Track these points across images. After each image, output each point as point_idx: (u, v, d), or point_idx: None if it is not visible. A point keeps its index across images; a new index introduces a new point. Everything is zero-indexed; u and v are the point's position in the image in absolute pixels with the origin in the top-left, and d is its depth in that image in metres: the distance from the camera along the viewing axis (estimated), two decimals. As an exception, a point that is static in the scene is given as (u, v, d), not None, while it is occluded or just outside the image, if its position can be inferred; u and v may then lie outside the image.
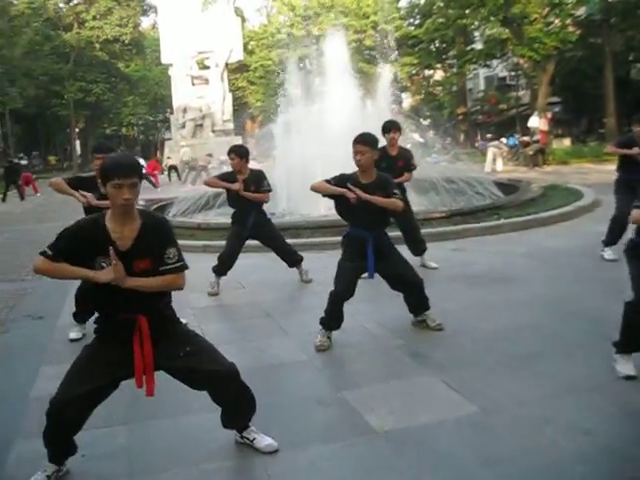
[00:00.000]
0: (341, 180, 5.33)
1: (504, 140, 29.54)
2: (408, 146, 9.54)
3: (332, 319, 5.41)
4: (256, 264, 8.55)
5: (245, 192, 7.22)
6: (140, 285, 3.12)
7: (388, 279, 5.58)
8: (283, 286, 7.79)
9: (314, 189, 5.51)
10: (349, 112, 13.42)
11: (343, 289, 5.38)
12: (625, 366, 4.41)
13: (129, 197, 3.04)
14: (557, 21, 32.71)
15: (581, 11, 35.74)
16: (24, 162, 42.12)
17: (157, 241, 3.17)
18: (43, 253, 3.10)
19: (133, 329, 3.19)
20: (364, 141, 5.17)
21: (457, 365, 4.80)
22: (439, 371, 4.69)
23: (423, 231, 9.71)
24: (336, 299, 5.39)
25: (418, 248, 8.12)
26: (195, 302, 7.15)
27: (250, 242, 7.83)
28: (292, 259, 7.85)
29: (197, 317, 6.55)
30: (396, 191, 5.28)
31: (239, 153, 7.24)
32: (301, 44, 37.75)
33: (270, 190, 7.46)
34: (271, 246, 7.82)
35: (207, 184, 7.95)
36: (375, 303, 6.46)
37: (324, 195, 5.51)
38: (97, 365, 3.25)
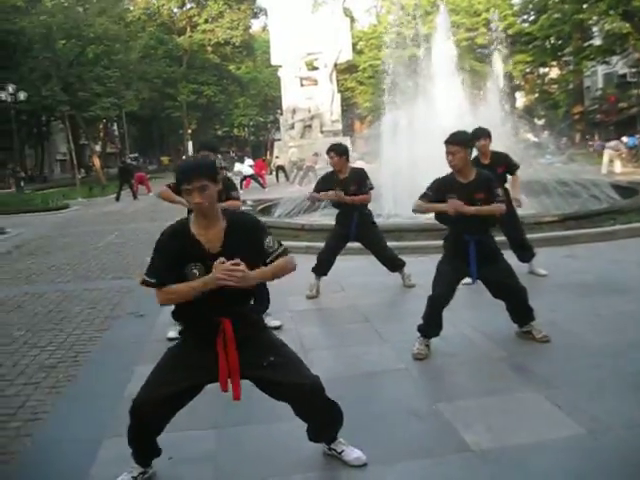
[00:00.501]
0: (439, 187, 5.18)
1: (625, 139, 28.09)
2: (521, 147, 9.25)
3: (430, 325, 5.23)
4: (358, 267, 8.45)
5: (344, 196, 7.11)
6: (256, 277, 3.07)
7: (490, 286, 5.34)
8: (384, 290, 7.64)
9: (417, 211, 5.44)
10: (457, 112, 13.14)
11: (441, 293, 5.19)
12: None
13: (199, 201, 2.98)
14: (684, 13, 30.98)
15: None
16: (135, 162, 43.76)
17: (249, 238, 3.12)
18: (149, 283, 3.10)
19: (217, 332, 3.14)
20: (455, 141, 4.97)
21: (563, 382, 4.50)
22: (543, 387, 4.42)
23: (533, 236, 9.39)
24: (434, 303, 5.21)
25: (526, 254, 7.76)
26: (293, 305, 7.13)
27: (352, 244, 7.73)
28: (393, 264, 7.69)
29: (294, 320, 6.53)
30: (499, 192, 5.05)
31: (338, 151, 7.14)
32: (411, 43, 37.45)
33: (372, 188, 7.27)
34: (372, 250, 7.67)
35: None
36: (478, 311, 6.22)
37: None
38: (180, 367, 3.23)
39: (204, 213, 3.07)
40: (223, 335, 3.13)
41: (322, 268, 7.52)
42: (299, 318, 6.66)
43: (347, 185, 7.13)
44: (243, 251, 3.05)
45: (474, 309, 6.22)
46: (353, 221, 7.31)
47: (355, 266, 8.42)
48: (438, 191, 5.15)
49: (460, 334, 5.64)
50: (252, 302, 3.37)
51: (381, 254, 7.64)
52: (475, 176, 5.08)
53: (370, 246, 7.65)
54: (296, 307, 7.08)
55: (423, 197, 5.26)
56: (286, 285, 7.82)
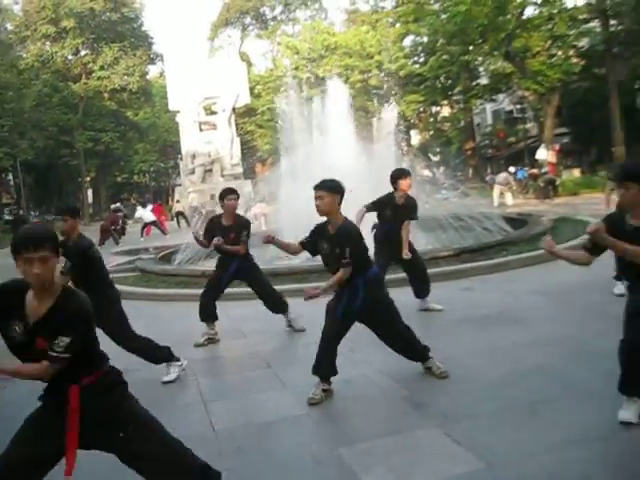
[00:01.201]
0: (313, 232, 5.36)
1: (512, 169, 29.32)
2: (416, 183, 9.47)
3: (322, 365, 5.20)
4: (259, 312, 8.32)
5: (223, 245, 7.17)
6: (14, 371, 2.88)
7: (376, 331, 5.40)
8: (286, 335, 7.59)
9: None
10: (353, 152, 13.37)
11: (327, 328, 5.23)
12: (624, 411, 4.17)
13: (39, 272, 2.79)
14: (560, 53, 32.93)
15: (583, 42, 35.96)
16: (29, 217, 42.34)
17: (59, 325, 2.85)
18: None
19: (64, 398, 2.93)
20: (322, 187, 5.05)
21: (462, 416, 4.56)
22: (443, 423, 4.45)
23: (431, 271, 9.54)
24: (322, 340, 5.23)
25: (424, 289, 7.89)
26: (192, 354, 6.96)
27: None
28: (274, 306, 7.66)
29: (192, 370, 6.36)
30: (347, 250, 4.99)
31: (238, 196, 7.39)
32: (307, 86, 38.17)
33: (245, 241, 7.33)
34: (255, 291, 7.69)
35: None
36: (379, 350, 6.19)
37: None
38: (32, 431, 3.01)
39: (41, 285, 2.86)
40: (70, 402, 2.92)
41: (203, 313, 7.48)
42: (199, 368, 6.51)
43: (228, 232, 7.20)
44: (48, 334, 2.84)
45: (376, 348, 6.20)
46: (233, 265, 7.37)
47: (256, 311, 8.29)
48: (313, 234, 5.32)
49: (362, 375, 5.64)
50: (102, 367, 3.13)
51: (264, 295, 7.63)
52: (336, 230, 5.14)
53: (253, 287, 7.66)
54: (194, 356, 6.92)
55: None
56: (183, 335, 7.72)
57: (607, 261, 7.61)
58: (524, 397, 4.76)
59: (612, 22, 33.00)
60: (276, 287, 9.22)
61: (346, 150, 13.46)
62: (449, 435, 4.24)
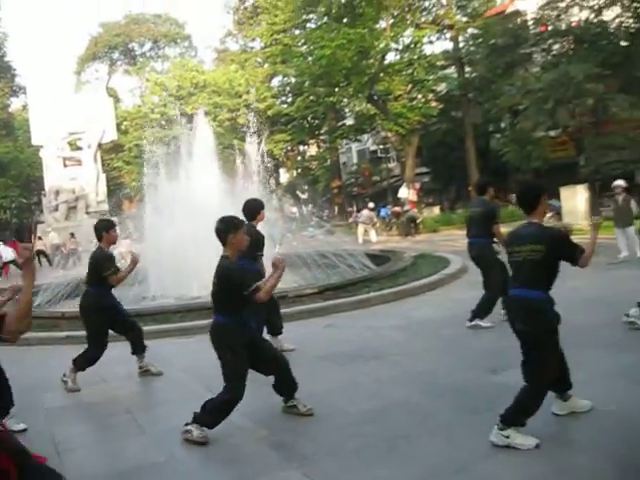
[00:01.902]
0: None
1: (371, 205, 30.10)
2: (281, 222, 9.56)
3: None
4: (121, 355, 8.00)
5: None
6: None
7: (260, 365, 5.34)
8: (147, 378, 7.30)
9: None
10: (219, 190, 13.32)
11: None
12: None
13: None
14: (420, 97, 34.56)
15: (441, 87, 38.00)
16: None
17: None
18: None
19: None
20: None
21: (323, 455, 4.53)
22: (303, 464, 4.41)
23: (294, 309, 9.65)
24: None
25: (277, 327, 7.85)
26: (50, 402, 6.57)
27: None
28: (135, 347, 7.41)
29: (50, 419, 6.01)
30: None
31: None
32: (175, 124, 37.77)
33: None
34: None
35: None
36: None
37: None
38: None
39: None
40: None
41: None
42: (55, 416, 6.14)
43: None
44: None
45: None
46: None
47: (118, 354, 7.96)
48: None
49: (226, 420, 5.46)
50: None
51: (126, 335, 7.37)
52: None
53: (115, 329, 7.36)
54: (52, 404, 6.53)
55: None
56: (41, 380, 7.28)
57: (463, 298, 7.93)
58: (384, 433, 4.81)
59: (467, 69, 35.08)
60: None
61: (212, 188, 13.38)
62: (308, 476, 4.20)
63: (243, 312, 5.17)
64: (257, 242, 7.47)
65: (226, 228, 5.18)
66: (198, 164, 14.78)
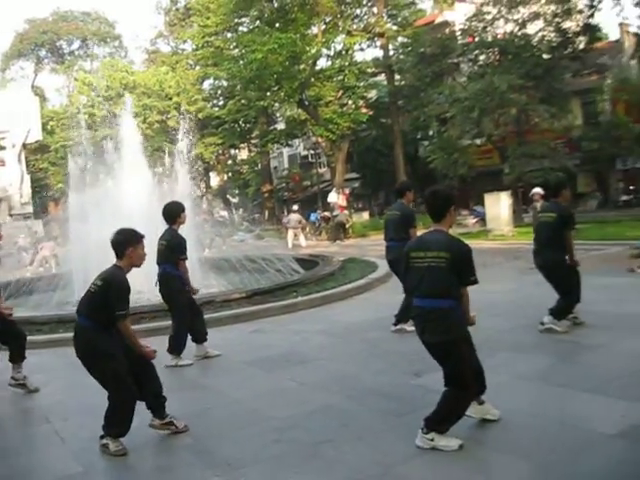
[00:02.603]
0: None
1: (295, 207, 30.11)
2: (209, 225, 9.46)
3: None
4: (42, 362, 7.80)
5: None
6: None
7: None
8: (69, 386, 7.09)
9: None
10: (148, 193, 13.12)
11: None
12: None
13: None
14: (350, 103, 34.90)
15: (372, 94, 38.49)
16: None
17: None
18: None
19: None
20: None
21: (247, 462, 4.52)
22: (226, 470, 4.40)
23: (222, 314, 9.61)
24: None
25: (201, 333, 7.75)
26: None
27: (39, 337, 7.08)
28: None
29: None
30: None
31: None
32: (103, 124, 37.03)
33: None
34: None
35: None
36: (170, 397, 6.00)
37: None
38: None
39: None
40: None
41: None
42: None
43: None
44: None
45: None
46: None
47: (39, 362, 7.74)
48: None
49: (145, 426, 5.39)
50: None
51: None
52: None
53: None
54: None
55: None
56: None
57: (389, 302, 8.03)
58: (308, 438, 4.83)
59: (397, 77, 35.59)
60: (63, 335, 8.72)
61: (140, 191, 13.16)
62: (232, 483, 4.19)
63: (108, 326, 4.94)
64: (179, 246, 7.39)
65: (125, 240, 5.00)
66: (126, 166, 14.51)
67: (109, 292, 4.83)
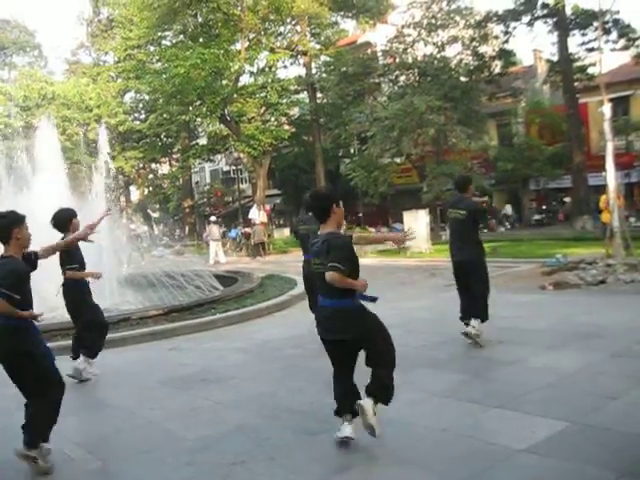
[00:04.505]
0: None
1: (213, 218, 29.84)
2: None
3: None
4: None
5: None
6: None
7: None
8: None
9: None
10: (66, 206, 12.74)
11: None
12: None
13: None
14: (272, 119, 35.02)
15: (294, 111, 38.72)
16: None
17: None
18: None
19: None
20: None
21: (154, 485, 4.42)
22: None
23: (137, 331, 9.45)
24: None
25: (92, 349, 7.48)
26: None
27: None
28: None
29: None
30: None
31: None
32: (19, 135, 35.84)
33: None
34: None
35: None
36: (68, 418, 5.59)
37: None
38: None
39: None
40: None
41: None
42: None
43: None
44: None
45: (72, 416, 5.79)
46: None
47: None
48: None
49: (58, 449, 5.11)
50: None
51: None
52: None
53: None
54: None
55: None
56: None
57: (308, 319, 8.02)
58: (220, 460, 4.74)
59: (319, 95, 35.95)
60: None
61: (58, 204, 12.76)
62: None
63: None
64: (74, 255, 7.17)
65: (10, 222, 4.75)
66: (42, 179, 14.09)
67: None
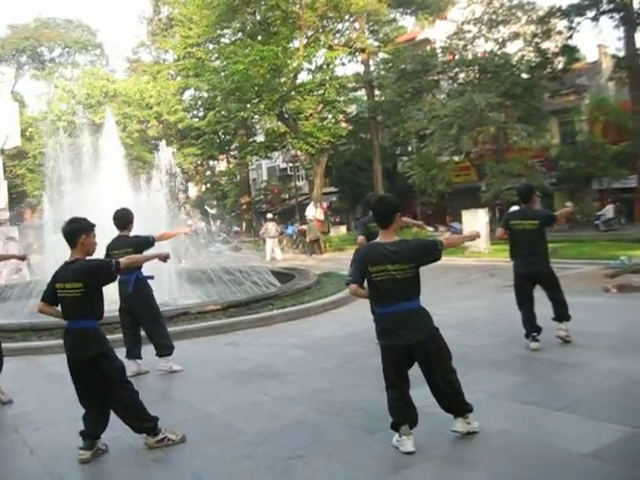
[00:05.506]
0: None
1: (270, 216, 30.00)
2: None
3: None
4: (14, 371, 7.62)
5: None
6: None
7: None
8: (42, 396, 6.97)
9: None
10: (126, 202, 13.00)
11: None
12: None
13: None
14: (330, 117, 35.03)
15: (352, 108, 38.66)
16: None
17: None
18: None
19: None
20: None
21: (216, 476, 4.47)
22: (196, 486, 4.33)
23: (196, 325, 9.55)
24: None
25: (164, 347, 7.68)
26: None
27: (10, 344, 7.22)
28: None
29: None
30: None
31: None
32: (82, 132, 36.72)
33: None
34: None
35: None
36: None
37: None
38: None
39: None
40: None
41: None
42: None
43: None
44: None
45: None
46: None
47: (10, 370, 7.53)
48: None
49: (117, 437, 5.27)
50: None
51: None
52: None
53: None
54: None
55: None
56: None
57: (365, 316, 8.01)
58: (280, 453, 4.77)
59: (377, 92, 35.81)
60: (36, 343, 8.68)
61: (118, 200, 13.04)
62: (200, 499, 4.13)
63: None
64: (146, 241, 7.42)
65: (79, 228, 4.97)
66: (105, 175, 14.40)
67: (94, 277, 4.90)
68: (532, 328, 7.50)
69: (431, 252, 4.71)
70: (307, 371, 7.22)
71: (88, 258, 5.03)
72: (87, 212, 12.54)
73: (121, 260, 5.17)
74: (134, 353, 7.53)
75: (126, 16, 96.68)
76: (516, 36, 29.01)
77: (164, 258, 6.38)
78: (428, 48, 34.65)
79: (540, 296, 7.64)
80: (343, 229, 37.44)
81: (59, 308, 5.09)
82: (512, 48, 29.37)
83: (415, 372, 4.77)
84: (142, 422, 5.04)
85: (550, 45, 29.59)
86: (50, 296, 5.05)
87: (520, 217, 7.65)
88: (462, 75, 30.46)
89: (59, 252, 12.64)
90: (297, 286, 12.71)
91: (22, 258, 10.54)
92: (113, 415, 5.07)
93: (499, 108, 25.98)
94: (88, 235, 4.99)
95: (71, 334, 4.96)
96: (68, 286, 4.87)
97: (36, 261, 19.71)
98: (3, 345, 7.13)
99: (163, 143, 19.62)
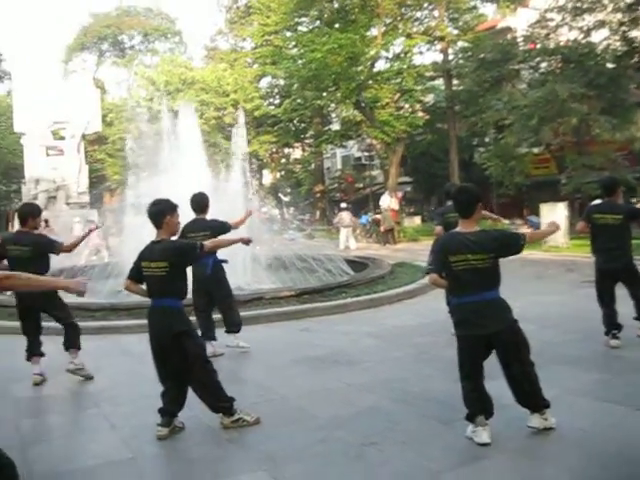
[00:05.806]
0: None
1: (343, 205, 29.99)
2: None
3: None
4: (94, 349, 7.92)
5: None
6: None
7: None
8: (119, 373, 7.23)
9: None
10: (203, 187, 13.24)
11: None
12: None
13: None
14: (407, 106, 34.69)
15: (429, 98, 38.18)
16: None
17: None
18: None
19: None
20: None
21: (291, 458, 4.53)
22: (271, 466, 4.41)
23: (270, 311, 9.67)
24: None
25: (234, 324, 7.88)
26: (18, 392, 6.51)
27: (91, 323, 7.31)
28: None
29: (18, 409, 5.97)
30: None
31: None
32: (161, 118, 37.52)
33: None
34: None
35: None
36: None
37: None
38: None
39: None
40: None
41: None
42: (21, 407, 6.10)
43: None
44: None
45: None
46: None
47: (91, 348, 7.84)
48: None
49: (194, 416, 5.41)
50: None
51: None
52: None
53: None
54: (21, 394, 6.49)
55: None
56: (9, 370, 7.21)
57: (439, 307, 7.95)
58: (353, 439, 4.81)
59: (455, 82, 35.25)
60: (115, 322, 8.98)
61: (195, 185, 13.30)
62: (275, 478, 4.20)
63: None
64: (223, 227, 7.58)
65: (164, 209, 5.15)
66: (182, 160, 14.70)
67: (181, 258, 5.14)
68: (612, 325, 7.29)
69: (513, 245, 4.66)
70: (381, 359, 7.24)
71: (173, 239, 5.20)
72: (165, 196, 12.92)
73: (205, 243, 5.32)
74: (209, 335, 7.68)
75: (205, 4, 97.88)
76: (602, 24, 27.96)
77: (247, 242, 6.51)
78: (509, 37, 33.78)
79: (623, 294, 7.41)
80: (417, 220, 37.05)
81: (144, 287, 5.26)
82: (597, 37, 28.36)
83: (491, 363, 4.71)
84: (219, 402, 5.16)
85: (638, 34, 28.44)
86: (136, 274, 5.23)
87: (603, 211, 7.41)
88: (544, 64, 29.61)
89: (137, 235, 13.10)
90: (371, 275, 12.71)
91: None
92: (190, 394, 5.21)
93: (582, 99, 25.13)
94: (172, 215, 5.17)
95: (155, 312, 5.13)
96: (154, 265, 5.03)
97: (114, 243, 20.34)
98: (84, 324, 7.41)
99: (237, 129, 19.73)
